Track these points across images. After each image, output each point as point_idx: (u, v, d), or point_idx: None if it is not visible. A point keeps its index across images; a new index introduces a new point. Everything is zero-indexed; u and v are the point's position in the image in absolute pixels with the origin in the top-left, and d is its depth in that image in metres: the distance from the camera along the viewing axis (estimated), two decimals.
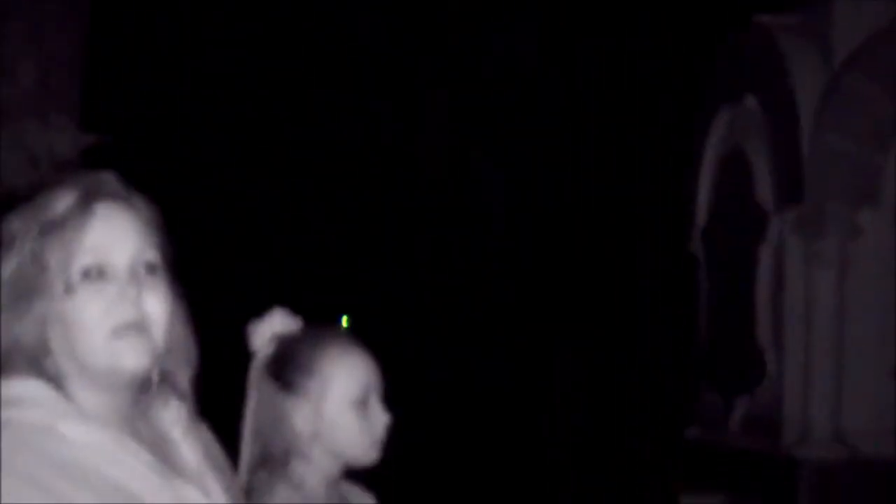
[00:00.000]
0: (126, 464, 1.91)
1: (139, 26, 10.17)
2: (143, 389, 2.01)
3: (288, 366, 2.74)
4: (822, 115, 5.73)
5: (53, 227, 1.94)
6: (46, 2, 6.09)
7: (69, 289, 1.92)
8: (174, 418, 2.08)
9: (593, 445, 11.74)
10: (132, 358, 1.93)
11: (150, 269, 1.96)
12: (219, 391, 2.38)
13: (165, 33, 10.68)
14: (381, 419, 2.74)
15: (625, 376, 11.72)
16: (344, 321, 3.47)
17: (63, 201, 1.95)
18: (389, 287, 11.90)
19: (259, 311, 2.81)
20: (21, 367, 1.94)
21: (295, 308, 2.82)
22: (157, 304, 1.95)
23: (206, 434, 2.13)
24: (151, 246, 1.98)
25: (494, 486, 10.94)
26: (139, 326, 1.93)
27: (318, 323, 2.84)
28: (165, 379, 2.05)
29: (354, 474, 2.85)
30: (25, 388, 1.92)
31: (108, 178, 2.00)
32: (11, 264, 1.94)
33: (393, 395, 2.84)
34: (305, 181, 11.67)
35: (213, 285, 8.09)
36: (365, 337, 2.86)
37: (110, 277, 1.93)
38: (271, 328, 2.79)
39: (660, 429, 8.38)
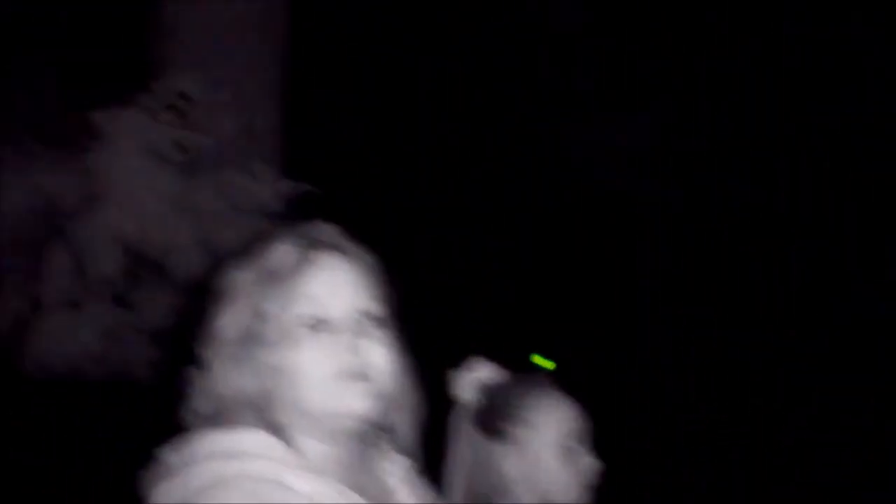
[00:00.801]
0: None
1: (338, 70, 10.10)
2: (367, 442, 1.99)
3: (496, 414, 2.76)
4: None
5: (273, 278, 1.95)
6: (247, 53, 6.01)
7: (290, 338, 1.91)
8: (398, 473, 2.06)
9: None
10: (355, 402, 1.93)
11: (371, 319, 1.97)
12: None
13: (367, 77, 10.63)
14: (588, 464, 2.77)
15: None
16: (546, 363, 3.44)
17: (282, 251, 1.97)
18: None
19: None
20: (244, 418, 1.92)
21: None
22: (380, 355, 1.97)
23: (428, 489, 2.17)
24: (372, 297, 1.99)
25: None
26: (362, 374, 1.93)
27: (521, 370, 2.87)
28: (389, 431, 2.04)
29: None
30: (250, 439, 1.90)
31: (327, 228, 2.05)
32: (232, 315, 1.95)
33: None
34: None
35: None
36: None
37: (331, 327, 1.95)
38: (476, 377, 2.80)
39: None
